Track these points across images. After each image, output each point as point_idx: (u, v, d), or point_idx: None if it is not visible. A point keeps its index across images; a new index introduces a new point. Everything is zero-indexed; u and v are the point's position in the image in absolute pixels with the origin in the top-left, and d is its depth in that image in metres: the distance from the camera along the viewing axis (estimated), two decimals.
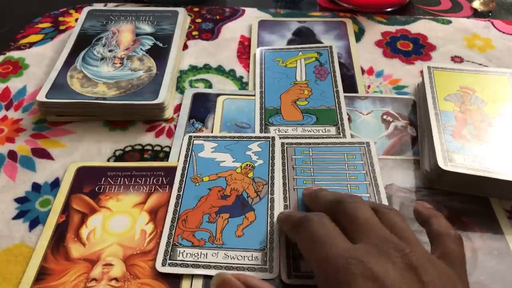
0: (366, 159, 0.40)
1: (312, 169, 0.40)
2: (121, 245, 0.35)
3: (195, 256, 0.34)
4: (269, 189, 0.38)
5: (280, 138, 0.42)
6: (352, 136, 0.43)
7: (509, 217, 0.37)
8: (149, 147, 0.43)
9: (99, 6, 0.58)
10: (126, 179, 0.39)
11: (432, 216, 0.32)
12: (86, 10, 0.55)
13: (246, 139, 0.42)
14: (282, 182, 0.39)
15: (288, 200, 0.38)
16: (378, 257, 0.26)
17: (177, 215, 0.36)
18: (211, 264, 0.33)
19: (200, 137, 0.42)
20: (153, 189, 0.39)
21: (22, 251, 0.35)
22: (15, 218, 0.37)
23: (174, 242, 0.35)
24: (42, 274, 0.33)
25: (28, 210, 0.38)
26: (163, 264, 0.33)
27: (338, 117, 0.44)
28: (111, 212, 0.37)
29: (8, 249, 0.35)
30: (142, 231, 0.36)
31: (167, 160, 0.41)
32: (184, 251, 0.34)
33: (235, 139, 0.42)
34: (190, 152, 0.41)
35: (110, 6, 0.59)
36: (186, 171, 0.40)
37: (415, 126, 0.44)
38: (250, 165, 0.40)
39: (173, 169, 0.40)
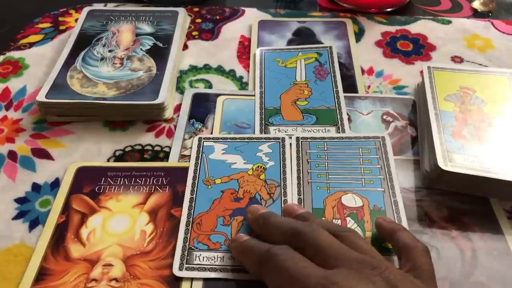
0: (381, 154, 0.40)
1: (326, 163, 0.40)
2: (121, 246, 0.35)
3: (212, 259, 0.34)
4: (282, 191, 0.38)
5: (290, 138, 0.42)
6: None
7: (509, 217, 0.37)
8: (149, 147, 0.43)
9: (99, 6, 0.58)
10: (126, 179, 0.39)
11: (397, 230, 0.32)
12: (86, 10, 0.55)
13: (256, 140, 0.42)
14: (296, 176, 0.39)
15: (302, 194, 0.38)
16: (358, 279, 0.26)
17: (191, 218, 0.36)
18: (228, 267, 0.33)
19: (210, 138, 0.42)
20: (153, 189, 0.39)
21: (22, 251, 0.35)
22: (15, 218, 0.37)
23: (190, 246, 0.34)
24: (42, 274, 0.33)
25: (28, 211, 0.38)
26: (180, 269, 0.33)
27: (338, 117, 0.44)
28: (111, 213, 0.37)
29: (8, 249, 0.35)
30: (142, 232, 0.36)
31: (167, 161, 0.41)
32: (200, 254, 0.34)
33: (245, 140, 0.42)
34: (200, 154, 0.41)
35: (110, 6, 0.59)
36: (197, 173, 0.39)
37: (415, 126, 0.44)
38: (261, 166, 0.40)
39: (173, 169, 0.40)
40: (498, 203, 0.38)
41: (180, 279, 0.33)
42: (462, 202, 0.38)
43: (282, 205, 0.37)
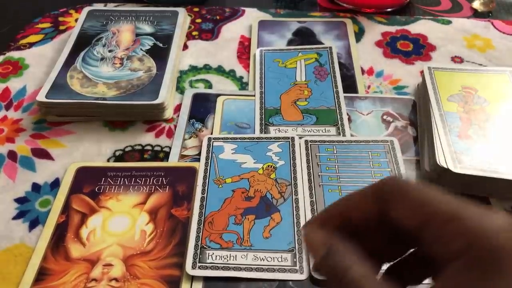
0: (391, 157, 0.40)
1: (336, 166, 0.40)
2: (121, 246, 0.35)
3: (225, 258, 0.34)
4: (293, 190, 0.38)
5: (300, 138, 0.42)
6: (352, 136, 0.43)
7: None
8: (149, 147, 0.43)
9: (99, 6, 0.58)
10: (126, 179, 0.39)
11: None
12: (86, 10, 0.55)
13: (265, 140, 0.42)
14: (308, 179, 0.39)
15: (314, 197, 0.38)
16: None
17: (202, 217, 0.36)
18: (241, 266, 0.33)
19: (219, 139, 0.42)
20: (153, 189, 0.39)
21: (22, 251, 0.35)
22: (15, 218, 0.37)
23: (202, 245, 0.34)
24: (42, 274, 0.33)
25: (28, 210, 0.38)
26: (193, 267, 0.33)
27: (338, 117, 0.44)
28: (111, 212, 0.37)
29: (8, 249, 0.35)
30: (142, 232, 0.36)
31: (167, 160, 0.41)
32: (213, 253, 0.34)
33: (254, 140, 0.42)
34: (210, 154, 0.41)
35: (110, 6, 0.59)
36: (208, 173, 0.39)
37: (415, 126, 0.44)
38: (272, 166, 0.40)
39: (173, 169, 0.40)
40: (498, 203, 0.38)
41: (180, 280, 0.33)
42: None
43: (294, 204, 0.37)
